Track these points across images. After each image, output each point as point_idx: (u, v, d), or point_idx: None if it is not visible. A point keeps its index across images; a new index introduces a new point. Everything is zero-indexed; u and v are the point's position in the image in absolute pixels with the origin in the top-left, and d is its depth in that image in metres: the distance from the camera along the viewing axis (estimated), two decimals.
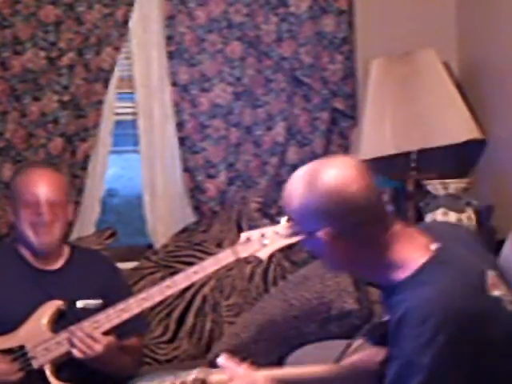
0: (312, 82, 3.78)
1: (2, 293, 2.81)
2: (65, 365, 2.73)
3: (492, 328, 1.74)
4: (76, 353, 2.67)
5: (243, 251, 2.74)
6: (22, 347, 2.71)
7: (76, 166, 3.59)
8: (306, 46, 3.77)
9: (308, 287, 3.11)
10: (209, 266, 2.79)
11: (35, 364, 2.70)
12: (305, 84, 3.79)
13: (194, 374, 2.22)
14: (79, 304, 2.85)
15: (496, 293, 1.80)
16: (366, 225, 1.81)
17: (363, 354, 2.16)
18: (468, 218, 3.51)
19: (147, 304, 2.78)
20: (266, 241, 2.71)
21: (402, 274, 1.81)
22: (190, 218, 3.76)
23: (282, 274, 3.46)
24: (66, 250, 2.98)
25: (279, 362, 3.00)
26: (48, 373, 2.70)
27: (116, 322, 2.73)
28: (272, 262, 3.48)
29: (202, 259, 3.47)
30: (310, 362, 2.60)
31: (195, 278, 2.80)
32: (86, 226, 3.67)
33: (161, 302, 3.39)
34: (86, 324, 2.70)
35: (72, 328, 2.69)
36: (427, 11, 3.89)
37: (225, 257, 2.77)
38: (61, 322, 2.77)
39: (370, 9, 3.86)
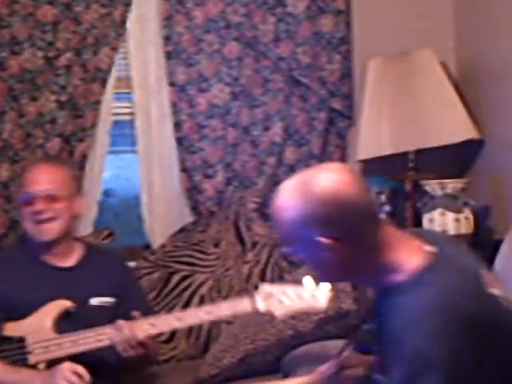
0: (310, 82, 3.78)
1: (15, 283, 2.82)
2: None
3: (493, 324, 1.76)
4: (120, 350, 2.67)
5: (261, 305, 2.67)
6: (22, 340, 2.71)
7: (73, 166, 3.59)
8: (304, 45, 3.77)
9: None
10: (224, 310, 2.73)
11: (32, 360, 2.70)
12: (302, 84, 3.79)
13: None
14: (94, 301, 2.87)
15: (492, 290, 1.83)
16: (363, 227, 1.81)
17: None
18: (465, 218, 3.51)
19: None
20: (285, 299, 2.65)
21: (399, 277, 1.81)
22: (187, 218, 3.76)
23: (279, 274, 3.46)
24: (80, 248, 3.00)
25: (276, 362, 3.00)
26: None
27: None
28: (269, 262, 3.48)
29: (199, 259, 3.49)
30: (307, 363, 2.61)
31: (206, 318, 2.77)
32: (84, 226, 3.66)
33: (158, 302, 3.40)
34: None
35: (121, 323, 2.68)
36: (425, 11, 3.89)
37: (242, 307, 2.70)
38: (66, 323, 2.76)
39: (368, 9, 3.86)
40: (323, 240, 1.79)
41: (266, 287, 2.69)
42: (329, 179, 1.81)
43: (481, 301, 1.77)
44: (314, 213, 1.79)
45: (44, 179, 2.87)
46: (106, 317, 2.78)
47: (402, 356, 1.72)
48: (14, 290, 2.79)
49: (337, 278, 1.89)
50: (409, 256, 1.82)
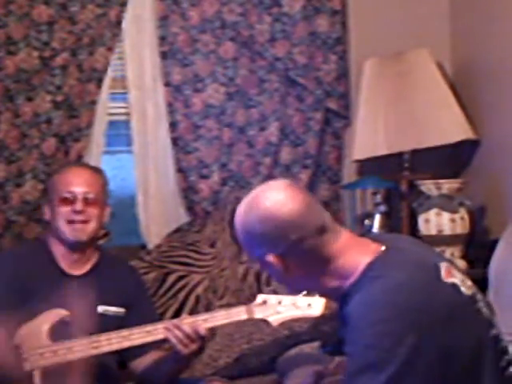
0: (305, 82, 3.78)
1: (27, 288, 2.83)
2: (55, 373, 2.68)
3: (450, 314, 1.76)
4: (181, 348, 2.66)
5: (258, 313, 2.66)
6: (17, 346, 2.69)
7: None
8: (300, 46, 3.77)
9: None
10: (219, 318, 2.71)
11: (26, 366, 2.67)
12: (298, 84, 3.79)
13: None
14: (99, 309, 2.86)
15: (451, 280, 1.83)
16: (307, 241, 1.85)
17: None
18: (461, 218, 3.51)
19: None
20: (281, 308, 2.64)
21: (351, 279, 1.83)
22: (183, 218, 3.76)
23: None
24: (95, 256, 3.00)
25: (272, 362, 3.00)
26: (36, 378, 2.66)
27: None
28: None
29: (195, 259, 3.49)
30: (303, 362, 2.61)
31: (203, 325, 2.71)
32: None
33: (154, 302, 3.40)
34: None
35: (175, 322, 2.69)
36: (421, 11, 3.90)
37: (237, 313, 2.69)
38: (62, 331, 2.74)
39: (364, 9, 3.86)
40: (271, 258, 1.86)
41: (261, 296, 2.68)
42: (268, 199, 1.87)
43: (433, 291, 1.77)
44: (258, 233, 1.87)
45: (84, 182, 2.93)
46: (110, 326, 2.75)
47: (357, 352, 1.72)
48: (26, 295, 2.80)
49: (299, 288, 1.92)
50: (363, 258, 1.84)
